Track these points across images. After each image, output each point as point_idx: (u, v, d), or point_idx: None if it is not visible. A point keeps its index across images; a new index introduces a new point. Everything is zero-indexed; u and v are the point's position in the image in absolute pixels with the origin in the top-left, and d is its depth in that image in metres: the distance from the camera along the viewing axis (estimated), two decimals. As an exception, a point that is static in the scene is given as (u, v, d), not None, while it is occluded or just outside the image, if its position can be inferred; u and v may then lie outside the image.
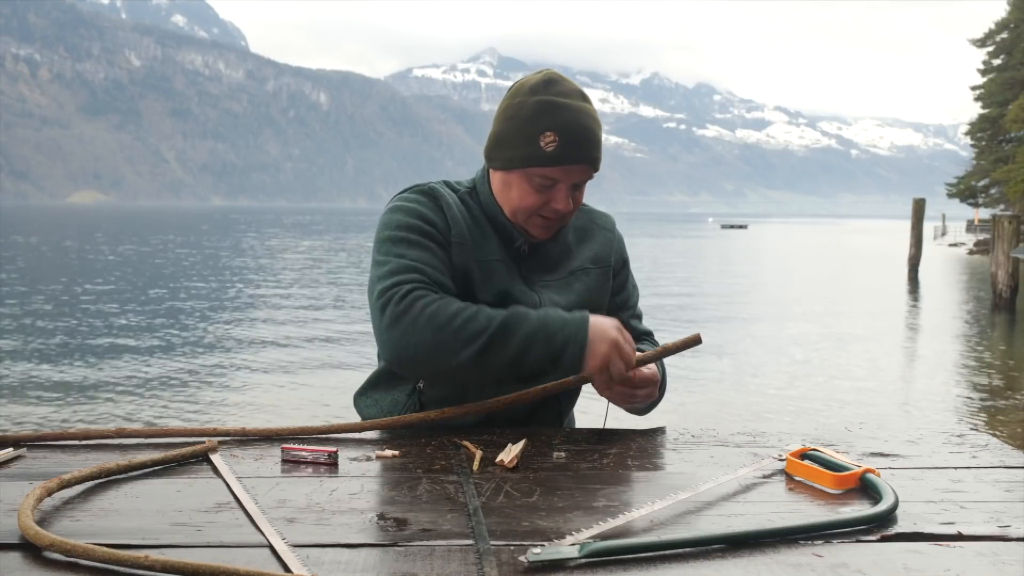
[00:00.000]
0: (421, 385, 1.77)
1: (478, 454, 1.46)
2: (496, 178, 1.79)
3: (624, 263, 1.97)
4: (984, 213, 62.70)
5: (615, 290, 1.94)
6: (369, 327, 1.72)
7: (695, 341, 1.69)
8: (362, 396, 1.89)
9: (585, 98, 1.75)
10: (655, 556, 1.04)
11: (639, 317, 2.00)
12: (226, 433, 1.57)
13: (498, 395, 1.69)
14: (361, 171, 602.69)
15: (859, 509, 1.21)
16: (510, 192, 1.76)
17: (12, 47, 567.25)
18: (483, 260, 1.75)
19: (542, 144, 1.69)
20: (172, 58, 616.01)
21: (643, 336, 1.99)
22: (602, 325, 1.59)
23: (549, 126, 1.68)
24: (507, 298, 1.74)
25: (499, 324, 1.56)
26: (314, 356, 12.35)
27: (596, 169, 1.76)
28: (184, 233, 63.28)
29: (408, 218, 1.71)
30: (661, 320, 16.41)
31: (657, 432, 1.68)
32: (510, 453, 1.43)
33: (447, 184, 1.86)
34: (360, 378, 1.89)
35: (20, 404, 9.03)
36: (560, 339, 1.57)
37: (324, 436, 1.62)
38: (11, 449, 1.48)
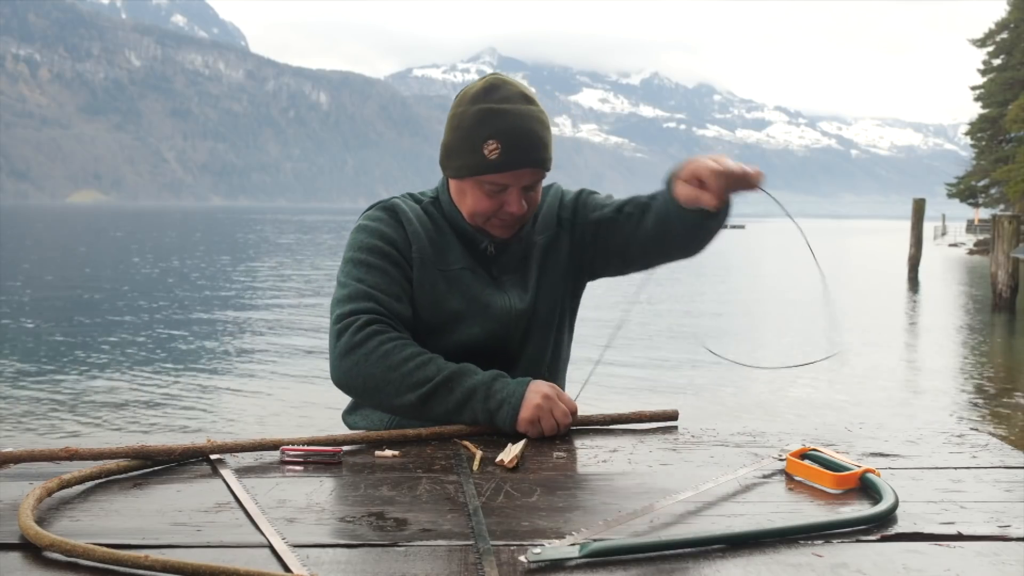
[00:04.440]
0: None
1: (478, 454, 1.46)
2: (452, 186, 1.84)
3: (574, 201, 1.93)
4: (984, 213, 62.66)
5: (588, 215, 1.90)
6: None
7: (671, 417, 1.74)
8: (351, 413, 1.89)
9: (528, 100, 1.76)
10: (655, 556, 1.04)
11: (628, 200, 1.91)
12: (219, 449, 1.57)
13: None
14: (361, 171, 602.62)
15: (859, 509, 1.21)
16: (465, 198, 1.80)
17: (12, 47, 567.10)
18: (448, 270, 1.80)
19: (486, 152, 1.72)
20: (172, 58, 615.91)
21: (641, 201, 1.86)
22: (538, 389, 1.62)
23: (491, 134, 1.72)
24: (475, 303, 1.79)
25: (445, 376, 1.63)
26: (309, 365, 12.34)
27: (546, 169, 1.79)
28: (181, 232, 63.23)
29: (370, 239, 1.77)
30: (661, 321, 16.43)
31: (657, 432, 1.68)
32: (510, 453, 1.43)
33: (411, 196, 1.90)
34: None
35: (7, 411, 8.96)
36: (497, 399, 1.61)
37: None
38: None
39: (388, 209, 1.83)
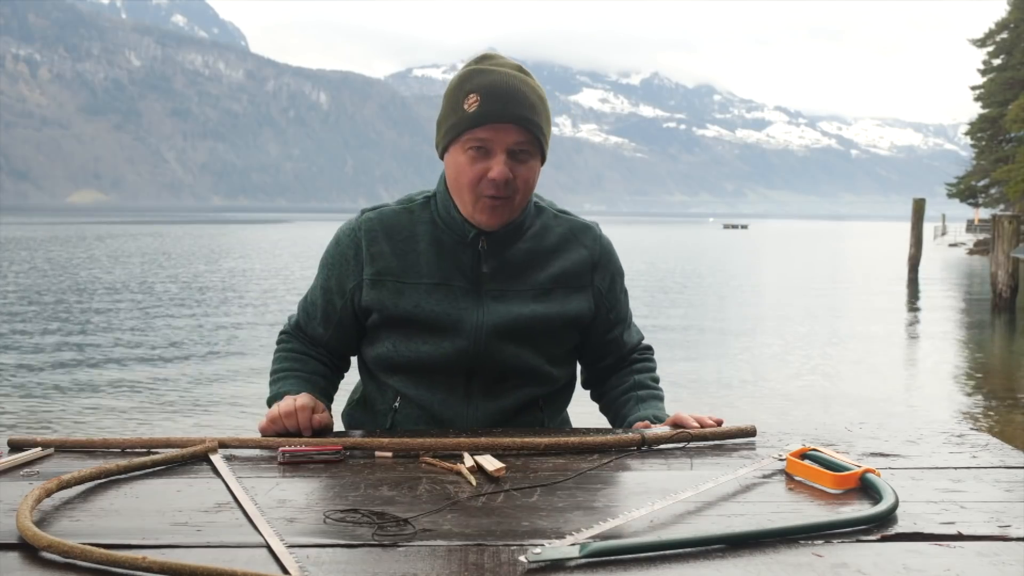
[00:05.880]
0: (396, 405, 1.77)
1: (463, 467, 1.42)
2: (447, 166, 1.73)
3: (612, 277, 1.85)
4: (984, 213, 62.63)
5: (608, 306, 1.85)
6: None
7: (750, 433, 1.66)
8: (346, 415, 1.93)
9: (521, 70, 1.71)
10: (655, 556, 1.04)
11: (629, 327, 1.93)
12: (218, 448, 1.57)
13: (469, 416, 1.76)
14: (361, 171, 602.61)
15: (859, 509, 1.21)
16: (453, 173, 1.70)
17: (12, 47, 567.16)
18: (418, 283, 1.72)
19: (466, 107, 1.65)
20: (172, 58, 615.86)
21: (644, 351, 1.94)
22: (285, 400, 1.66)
23: (472, 89, 1.66)
24: (439, 320, 1.70)
25: (271, 386, 1.82)
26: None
27: (532, 133, 1.66)
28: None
29: (328, 256, 1.83)
30: (661, 321, 16.42)
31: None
32: (493, 464, 1.39)
33: (408, 199, 1.82)
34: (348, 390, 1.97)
35: (8, 408, 8.96)
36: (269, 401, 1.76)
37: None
38: (39, 449, 1.47)
39: (352, 232, 1.78)
